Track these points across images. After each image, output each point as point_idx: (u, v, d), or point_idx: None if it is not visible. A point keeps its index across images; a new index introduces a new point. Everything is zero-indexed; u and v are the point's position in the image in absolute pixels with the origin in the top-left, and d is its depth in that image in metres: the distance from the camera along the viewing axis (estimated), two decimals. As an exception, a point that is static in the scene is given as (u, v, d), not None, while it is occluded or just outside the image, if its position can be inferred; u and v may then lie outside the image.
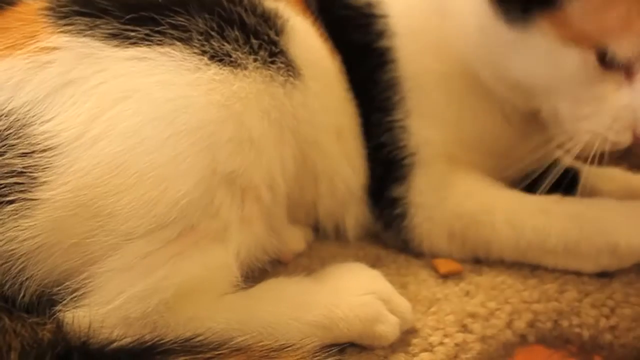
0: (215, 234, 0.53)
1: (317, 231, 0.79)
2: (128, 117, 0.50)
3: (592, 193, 0.82)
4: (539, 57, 0.62)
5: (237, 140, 0.54)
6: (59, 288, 0.50)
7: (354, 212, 0.75)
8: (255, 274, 0.65)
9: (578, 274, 0.67)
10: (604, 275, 0.67)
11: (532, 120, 0.71)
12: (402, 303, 0.58)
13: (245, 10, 0.61)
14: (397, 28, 0.73)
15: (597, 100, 0.62)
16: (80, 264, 0.50)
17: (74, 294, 0.49)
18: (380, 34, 0.74)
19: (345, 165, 0.73)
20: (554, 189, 0.73)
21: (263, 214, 0.58)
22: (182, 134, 0.50)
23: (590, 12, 0.59)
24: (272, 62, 0.60)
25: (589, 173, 0.83)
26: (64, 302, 0.49)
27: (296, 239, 0.76)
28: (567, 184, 0.79)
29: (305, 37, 0.68)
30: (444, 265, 0.69)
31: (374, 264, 0.71)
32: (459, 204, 0.72)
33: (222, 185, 0.53)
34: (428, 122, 0.73)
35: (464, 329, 0.59)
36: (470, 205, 0.72)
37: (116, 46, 0.53)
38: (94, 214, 0.48)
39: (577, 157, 0.68)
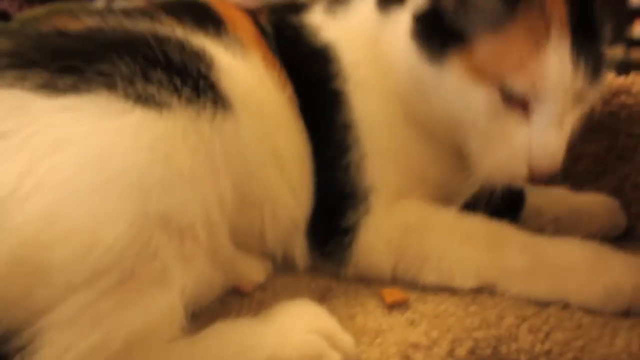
0: (156, 277, 0.54)
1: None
2: (58, 169, 0.51)
3: (536, 213, 0.87)
4: (451, 92, 0.67)
5: (167, 181, 0.55)
6: (5, 347, 0.51)
7: (301, 243, 0.78)
8: (210, 308, 0.68)
9: (517, 299, 0.70)
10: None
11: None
12: (345, 339, 0.61)
13: (174, 46, 0.63)
14: (349, 74, 0.77)
15: (501, 135, 0.66)
16: (24, 320, 0.51)
17: (21, 353, 0.50)
18: (335, 77, 0.77)
19: (288, 195, 0.75)
20: (499, 208, 0.76)
21: (204, 250, 0.60)
22: (110, 181, 0.52)
23: (491, 51, 0.63)
24: (197, 98, 0.61)
25: (533, 193, 0.87)
26: None
27: (256, 270, 0.78)
28: (512, 203, 0.83)
29: (237, 71, 0.70)
30: (390, 295, 0.71)
31: (325, 295, 0.74)
32: (401, 217, 0.76)
33: (157, 227, 0.54)
34: (382, 163, 0.77)
35: (407, 359, 0.62)
36: (411, 218, 0.76)
37: (45, 96, 0.55)
38: (32, 269, 0.50)
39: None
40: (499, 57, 0.63)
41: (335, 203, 0.77)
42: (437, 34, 0.67)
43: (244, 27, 0.79)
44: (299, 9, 0.86)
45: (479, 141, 0.68)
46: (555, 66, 0.62)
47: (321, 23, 0.82)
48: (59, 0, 1.26)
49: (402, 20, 0.72)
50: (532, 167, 0.65)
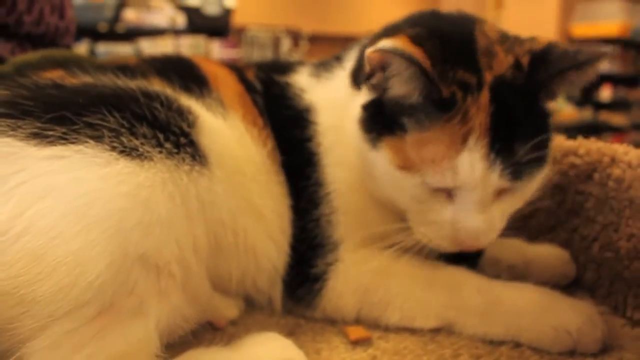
0: (133, 309, 0.59)
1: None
2: (45, 213, 0.55)
3: (493, 261, 0.93)
4: (384, 175, 0.74)
5: (145, 224, 0.59)
6: None
7: (280, 287, 0.83)
8: (183, 339, 0.71)
9: (472, 339, 0.75)
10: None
11: None
12: (311, 370, 0.65)
13: (162, 104, 0.68)
14: (322, 138, 0.83)
15: (428, 213, 0.73)
16: (9, 347, 0.55)
17: None
18: (311, 139, 0.83)
19: (269, 244, 0.80)
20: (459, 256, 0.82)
21: (178, 287, 0.64)
22: (93, 225, 0.56)
23: (415, 147, 0.69)
24: (177, 153, 0.66)
25: (491, 244, 0.93)
26: None
27: (229, 307, 0.82)
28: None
29: (216, 130, 0.75)
30: (354, 333, 0.76)
31: (294, 330, 0.78)
32: (367, 264, 0.81)
33: (135, 265, 0.58)
34: (347, 219, 0.82)
35: (367, 392, 0.66)
36: (377, 265, 0.80)
37: (36, 145, 0.59)
38: (18, 301, 0.54)
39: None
40: (420, 154, 0.69)
41: (306, 252, 0.82)
42: (377, 122, 0.74)
43: (226, 85, 0.85)
44: (285, 68, 0.92)
45: (412, 215, 0.75)
46: (466, 169, 0.67)
47: (306, 85, 0.88)
48: (50, 46, 1.32)
49: (355, 107, 0.77)
50: (458, 243, 0.73)
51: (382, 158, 0.72)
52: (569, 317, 0.73)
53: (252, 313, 0.84)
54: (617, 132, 6.32)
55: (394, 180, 0.73)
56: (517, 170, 0.69)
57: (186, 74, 0.82)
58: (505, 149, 0.68)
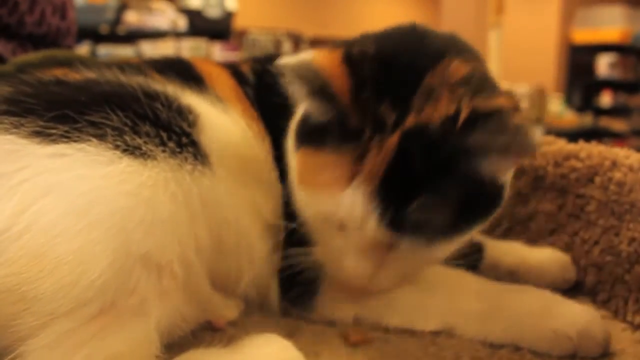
0: (134, 309, 0.58)
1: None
2: (48, 211, 0.55)
3: (494, 265, 0.92)
4: (292, 181, 0.74)
5: (148, 223, 0.59)
6: None
7: (275, 287, 0.82)
8: (183, 340, 0.71)
9: (472, 341, 0.75)
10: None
11: None
12: (310, 372, 0.65)
13: (162, 104, 0.68)
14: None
15: (324, 234, 0.73)
16: (8, 344, 0.55)
17: None
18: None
19: (264, 243, 0.80)
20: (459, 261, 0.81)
21: (180, 287, 0.64)
22: (95, 223, 0.56)
23: (314, 164, 0.69)
24: (180, 152, 0.66)
25: (492, 247, 0.93)
26: None
27: (229, 308, 0.82)
28: (472, 256, 0.89)
29: (218, 128, 0.75)
30: (354, 334, 0.75)
31: (294, 332, 0.78)
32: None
33: (137, 264, 0.58)
34: None
35: (368, 394, 0.66)
36: None
37: (39, 143, 0.59)
38: (19, 298, 0.54)
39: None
40: (316, 174, 0.68)
41: (297, 254, 0.79)
42: (303, 129, 0.73)
43: (220, 82, 0.85)
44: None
45: (313, 233, 0.75)
46: (346, 207, 0.65)
47: None
48: (52, 46, 1.32)
49: None
50: (345, 276, 0.72)
51: (294, 164, 0.73)
52: (569, 320, 0.72)
53: (252, 314, 0.83)
54: (617, 138, 6.34)
55: (297, 190, 0.73)
56: (401, 227, 0.64)
57: (184, 73, 0.82)
58: (391, 200, 0.63)
